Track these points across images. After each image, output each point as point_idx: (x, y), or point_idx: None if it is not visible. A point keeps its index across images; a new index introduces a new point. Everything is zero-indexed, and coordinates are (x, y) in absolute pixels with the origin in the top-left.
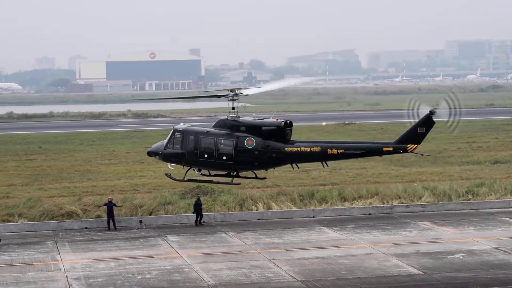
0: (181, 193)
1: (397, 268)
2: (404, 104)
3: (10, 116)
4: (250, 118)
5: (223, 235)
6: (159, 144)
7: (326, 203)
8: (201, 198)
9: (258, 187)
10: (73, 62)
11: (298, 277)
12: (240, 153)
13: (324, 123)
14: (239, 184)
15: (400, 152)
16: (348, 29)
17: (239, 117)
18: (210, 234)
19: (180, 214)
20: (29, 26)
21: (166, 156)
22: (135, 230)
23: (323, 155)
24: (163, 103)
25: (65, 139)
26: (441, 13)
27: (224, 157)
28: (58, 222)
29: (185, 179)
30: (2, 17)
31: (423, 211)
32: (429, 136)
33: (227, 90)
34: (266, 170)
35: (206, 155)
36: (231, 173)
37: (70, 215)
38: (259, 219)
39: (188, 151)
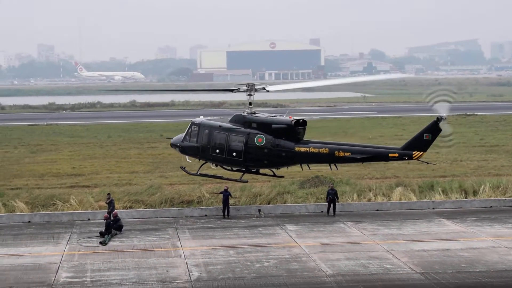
0: (300, 183)
1: None
2: None
3: (133, 105)
4: (263, 115)
5: (342, 225)
6: (179, 136)
7: (446, 195)
8: (318, 188)
9: (377, 178)
10: (194, 52)
11: (417, 269)
12: (249, 150)
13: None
14: (247, 181)
15: (405, 159)
16: (471, 19)
17: (255, 113)
18: (328, 224)
19: (299, 203)
20: (152, 16)
21: (183, 149)
22: (253, 218)
23: (330, 157)
24: (282, 93)
25: (185, 128)
26: None
27: (234, 153)
28: (179, 209)
29: (198, 173)
30: (127, 7)
31: None
32: None
33: (244, 85)
34: (277, 169)
35: (217, 150)
36: (252, 170)
37: (190, 202)
38: (377, 210)
39: (202, 145)
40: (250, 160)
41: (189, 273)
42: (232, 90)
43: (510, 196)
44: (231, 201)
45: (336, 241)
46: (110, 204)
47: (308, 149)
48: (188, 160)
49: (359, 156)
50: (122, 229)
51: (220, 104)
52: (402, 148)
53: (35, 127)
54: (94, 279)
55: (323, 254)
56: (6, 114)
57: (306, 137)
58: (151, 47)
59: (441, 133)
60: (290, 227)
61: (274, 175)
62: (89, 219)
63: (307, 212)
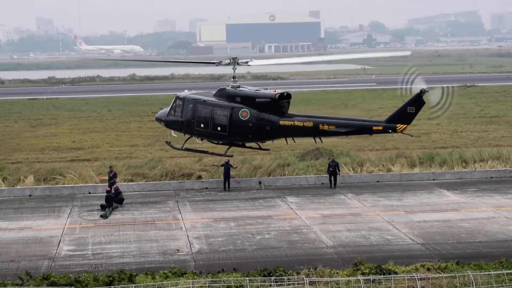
0: (300, 155)
1: None
2: None
3: (132, 78)
4: (247, 89)
5: (342, 196)
6: (164, 110)
7: (447, 166)
8: (319, 161)
9: (377, 150)
10: (194, 25)
11: (418, 239)
12: (234, 124)
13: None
14: (231, 156)
15: (389, 132)
16: None
17: (239, 86)
18: (329, 196)
19: (299, 175)
20: None
21: (168, 123)
22: (254, 191)
23: (315, 131)
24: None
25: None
26: None
27: (219, 128)
28: (179, 182)
29: (183, 148)
30: None
31: None
32: None
33: (229, 58)
34: (262, 142)
35: (202, 125)
36: (239, 144)
37: (190, 175)
38: (378, 181)
39: (187, 120)
40: (235, 134)
41: (190, 246)
42: (215, 63)
43: (510, 167)
44: (231, 173)
45: (336, 212)
46: (114, 177)
47: (292, 122)
48: (173, 134)
49: (343, 129)
50: (123, 202)
51: (220, 77)
52: (386, 121)
53: (35, 101)
54: (95, 252)
55: (324, 226)
56: (6, 89)
57: (307, 109)
58: (150, 20)
59: (428, 105)
60: (290, 199)
61: (260, 148)
62: (89, 193)
63: (307, 184)
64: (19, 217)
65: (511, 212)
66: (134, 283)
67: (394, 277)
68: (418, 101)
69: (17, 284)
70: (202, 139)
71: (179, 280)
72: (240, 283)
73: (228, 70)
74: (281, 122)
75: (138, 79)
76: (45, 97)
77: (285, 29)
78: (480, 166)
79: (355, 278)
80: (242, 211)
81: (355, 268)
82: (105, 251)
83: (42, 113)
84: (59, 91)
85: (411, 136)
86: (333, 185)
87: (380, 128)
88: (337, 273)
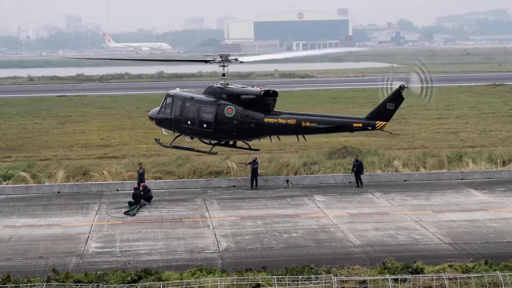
0: (328, 153)
1: None
2: None
3: (160, 76)
4: (234, 86)
5: (370, 195)
6: (156, 108)
7: (476, 165)
8: (346, 159)
9: (405, 149)
10: (222, 23)
11: (446, 239)
12: (219, 122)
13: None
14: (216, 153)
15: (369, 129)
16: None
17: (227, 84)
18: (356, 195)
19: (327, 174)
20: None
21: (159, 121)
22: (281, 189)
23: (298, 128)
24: (310, 63)
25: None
26: None
27: (205, 125)
28: (207, 180)
29: (171, 145)
30: None
31: None
32: None
33: (218, 55)
34: (248, 140)
35: (189, 122)
36: (226, 143)
37: (218, 173)
38: (406, 180)
39: (175, 117)
40: (220, 131)
41: (217, 243)
42: (206, 61)
43: None
44: (258, 171)
45: (364, 211)
46: (143, 174)
47: (276, 120)
48: (164, 132)
49: (325, 126)
50: (151, 200)
51: (247, 75)
52: (366, 118)
53: (64, 98)
54: (123, 249)
55: (351, 225)
56: (35, 85)
57: (334, 107)
58: (179, 18)
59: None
60: (318, 197)
61: (250, 148)
62: (118, 190)
63: (335, 182)
64: (47, 213)
65: None
66: (161, 281)
67: (422, 276)
68: (397, 97)
69: (44, 281)
70: (192, 137)
71: (206, 277)
72: (268, 281)
73: (255, 67)
74: (266, 120)
75: (166, 76)
76: (73, 94)
77: (313, 27)
78: (509, 165)
79: (383, 277)
80: (269, 209)
81: (383, 267)
82: (133, 248)
83: (71, 110)
84: (87, 88)
85: (390, 133)
86: (359, 185)
87: (360, 125)
88: (365, 271)
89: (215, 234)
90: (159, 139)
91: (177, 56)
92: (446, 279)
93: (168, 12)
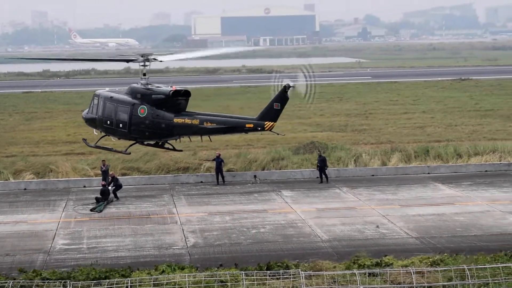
0: (295, 148)
1: None
2: None
3: (127, 72)
4: (149, 86)
5: (337, 190)
6: (87, 109)
7: (441, 159)
8: (313, 154)
9: (372, 143)
10: (189, 18)
11: (413, 233)
12: (133, 121)
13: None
14: (129, 153)
15: (259, 130)
16: None
17: (147, 84)
18: (324, 190)
19: (294, 169)
20: None
21: (87, 121)
22: (249, 184)
23: (201, 128)
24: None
25: None
26: None
27: (121, 125)
28: (174, 176)
29: (95, 145)
30: None
31: None
32: None
33: (138, 55)
34: (161, 141)
35: (108, 122)
36: (158, 143)
37: (185, 169)
38: (373, 175)
39: (98, 117)
40: (134, 131)
41: (185, 239)
42: (127, 61)
43: (505, 160)
44: (225, 167)
45: (331, 206)
46: (106, 173)
47: (183, 120)
48: (95, 132)
49: (222, 126)
50: (121, 188)
51: (215, 71)
52: (256, 119)
53: (30, 94)
54: (90, 245)
55: (319, 220)
56: (1, 82)
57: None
58: (146, 13)
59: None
60: (285, 192)
61: (174, 149)
62: (84, 186)
63: (302, 178)
64: (14, 210)
65: (506, 206)
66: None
67: (390, 270)
68: (282, 97)
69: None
70: (119, 138)
71: (175, 274)
72: (236, 277)
73: (223, 63)
74: (175, 120)
75: (133, 72)
76: (40, 90)
77: (280, 22)
78: (475, 159)
79: (351, 271)
80: (237, 205)
81: (352, 261)
82: (100, 245)
83: (37, 106)
84: (53, 84)
85: (277, 134)
86: (322, 180)
87: (252, 125)
88: (334, 267)
89: (183, 230)
90: (86, 139)
91: (143, 51)
92: (413, 272)
93: (135, 7)
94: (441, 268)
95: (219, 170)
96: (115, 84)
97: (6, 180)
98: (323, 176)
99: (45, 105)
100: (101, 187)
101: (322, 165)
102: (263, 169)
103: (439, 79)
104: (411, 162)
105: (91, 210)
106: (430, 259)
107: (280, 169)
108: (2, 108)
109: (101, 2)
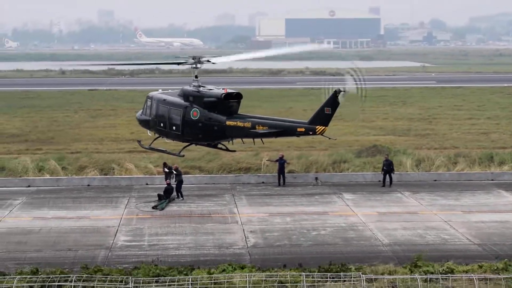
0: (357, 151)
1: None
2: None
3: (191, 71)
4: (201, 88)
5: (399, 195)
6: (141, 110)
7: (506, 166)
8: (376, 158)
9: (435, 148)
10: (253, 19)
11: (475, 240)
12: (186, 124)
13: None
14: (183, 156)
15: (310, 134)
16: None
17: (199, 86)
18: (385, 194)
19: (356, 172)
20: None
21: (140, 122)
22: (310, 186)
23: (253, 131)
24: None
25: (244, 95)
26: None
27: (174, 127)
28: (236, 175)
29: (149, 146)
30: None
31: None
32: None
33: (190, 57)
34: (214, 142)
35: (162, 124)
36: (211, 144)
37: (247, 169)
38: (435, 180)
39: (152, 119)
40: (187, 133)
41: (245, 239)
42: (178, 63)
43: None
44: (287, 168)
45: (393, 210)
46: (170, 174)
47: (235, 122)
48: (149, 133)
49: (274, 130)
50: (182, 184)
51: (278, 72)
52: (308, 123)
53: (95, 92)
54: (151, 243)
55: (380, 223)
56: (67, 79)
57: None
58: (210, 13)
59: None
60: (347, 195)
61: (227, 149)
62: (147, 184)
63: (364, 181)
64: (77, 206)
65: None
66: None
67: (451, 276)
68: (333, 102)
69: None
70: (173, 139)
71: (235, 273)
72: (295, 278)
73: (287, 65)
74: (227, 122)
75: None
76: (104, 88)
77: (345, 25)
78: None
79: (412, 276)
80: (298, 206)
81: (412, 266)
82: (161, 243)
83: (102, 104)
84: (118, 82)
85: (329, 138)
86: (388, 184)
87: (303, 130)
88: (394, 271)
89: (243, 230)
90: (140, 141)
91: (207, 52)
92: (476, 279)
93: (200, 7)
94: (505, 276)
95: (281, 171)
96: (179, 84)
97: (71, 175)
98: (388, 179)
99: (110, 102)
100: (165, 186)
101: (388, 169)
102: (324, 171)
103: (505, 85)
104: (475, 168)
105: (153, 207)
106: (493, 266)
107: (341, 172)
108: (68, 105)
109: (167, 2)
